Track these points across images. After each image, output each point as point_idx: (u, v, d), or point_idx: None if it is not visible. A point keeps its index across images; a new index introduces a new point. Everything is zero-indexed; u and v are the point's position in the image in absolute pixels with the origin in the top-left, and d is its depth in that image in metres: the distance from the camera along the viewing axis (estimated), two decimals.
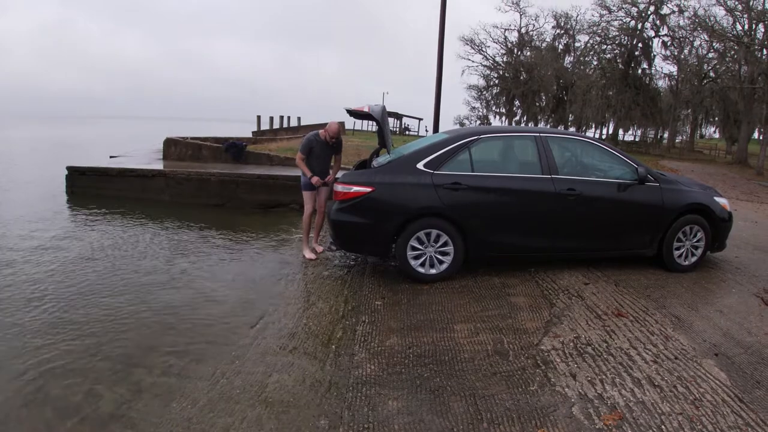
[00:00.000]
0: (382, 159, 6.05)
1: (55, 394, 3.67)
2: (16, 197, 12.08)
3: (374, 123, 6.25)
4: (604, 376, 3.58)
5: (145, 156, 15.77)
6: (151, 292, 5.74)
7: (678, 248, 6.09)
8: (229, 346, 4.37)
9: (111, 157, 15.68)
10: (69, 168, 12.47)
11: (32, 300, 5.43)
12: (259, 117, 35.66)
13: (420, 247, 5.52)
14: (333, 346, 4.22)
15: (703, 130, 57.67)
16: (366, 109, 5.94)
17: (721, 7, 31.78)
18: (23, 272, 6.31)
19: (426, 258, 5.56)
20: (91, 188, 12.17)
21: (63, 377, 3.91)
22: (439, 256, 5.58)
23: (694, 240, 6.14)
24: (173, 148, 15.16)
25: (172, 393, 3.64)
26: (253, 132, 32.02)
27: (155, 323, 4.91)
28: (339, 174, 6.40)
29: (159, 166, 13.24)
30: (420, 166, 5.56)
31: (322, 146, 6.55)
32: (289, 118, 36.84)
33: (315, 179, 6.45)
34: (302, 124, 35.71)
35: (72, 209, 10.77)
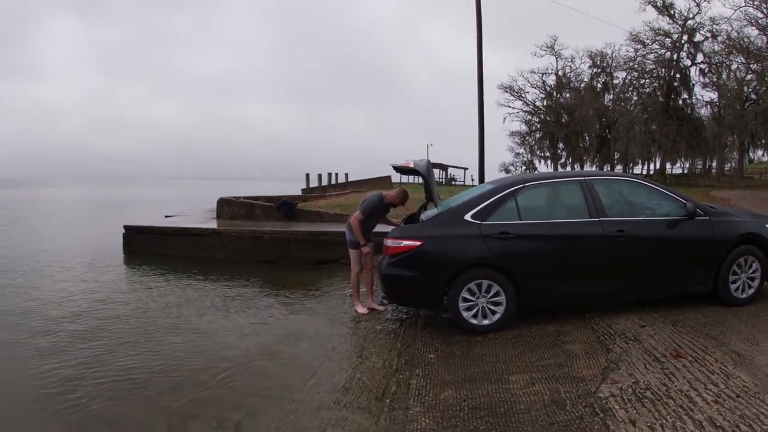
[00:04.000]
0: (430, 212, 6.14)
1: None
2: (77, 257, 12.67)
3: (420, 177, 6.40)
4: (664, 421, 3.49)
5: (200, 215, 16.33)
6: (206, 347, 5.95)
7: (734, 281, 5.89)
8: (284, 400, 4.46)
9: (166, 216, 16.31)
10: (126, 227, 13.09)
11: (91, 352, 5.74)
12: (308, 175, 36.46)
13: (472, 298, 5.53)
14: (387, 400, 4.26)
15: (751, 154, 55.81)
16: (411, 165, 6.10)
17: (754, 27, 31.24)
18: (84, 323, 6.74)
19: (478, 309, 5.55)
20: (148, 247, 12.70)
21: (118, 427, 4.09)
22: (492, 307, 5.56)
23: (750, 271, 5.93)
24: (226, 207, 15.67)
25: None
26: (302, 189, 32.74)
27: (211, 377, 5.08)
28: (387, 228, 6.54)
29: (213, 224, 13.70)
30: (467, 217, 5.64)
31: (383, 208, 6.73)
32: (336, 174, 37.55)
33: (366, 249, 6.63)
34: (350, 180, 36.31)
35: (129, 267, 11.29)
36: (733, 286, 5.91)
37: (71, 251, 13.60)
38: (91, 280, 9.82)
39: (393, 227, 6.39)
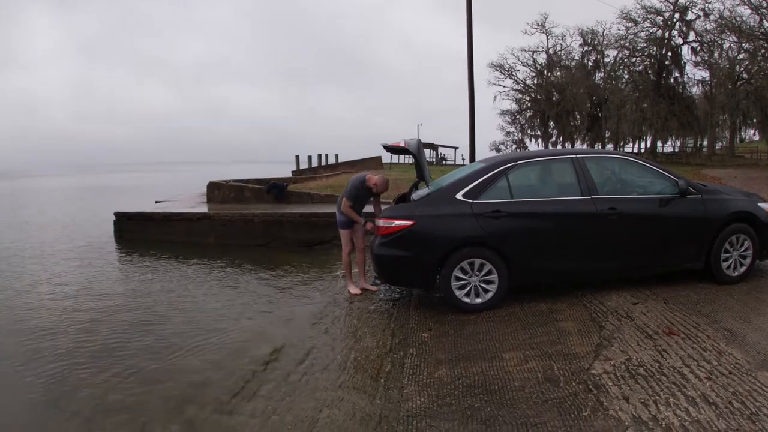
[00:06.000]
0: (422, 191, 6.10)
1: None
2: (68, 244, 12.57)
3: (411, 156, 6.35)
4: (657, 397, 3.51)
5: (190, 200, 16.19)
6: (199, 331, 5.91)
7: (726, 259, 5.93)
8: (279, 382, 4.45)
9: (156, 202, 16.15)
10: (117, 214, 12.98)
11: (84, 339, 5.69)
12: (297, 156, 36.20)
13: (464, 277, 5.53)
14: (382, 380, 4.26)
15: (742, 133, 56.08)
16: (402, 144, 6.06)
17: (746, 7, 31.15)
18: (75, 310, 6.68)
19: (471, 287, 5.56)
20: (139, 233, 12.60)
21: (116, 414, 4.06)
22: (484, 285, 5.57)
23: (742, 249, 5.97)
24: (217, 191, 15.55)
25: (224, 430, 3.74)
26: (293, 171, 32.51)
27: (205, 361, 5.06)
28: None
29: (203, 209, 13.60)
30: (459, 196, 5.61)
31: (366, 192, 6.67)
32: (327, 156, 37.32)
33: (369, 225, 6.53)
34: (340, 161, 36.07)
35: (120, 253, 11.22)
36: (724, 264, 5.94)
37: (63, 239, 13.46)
38: (83, 266, 9.75)
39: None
